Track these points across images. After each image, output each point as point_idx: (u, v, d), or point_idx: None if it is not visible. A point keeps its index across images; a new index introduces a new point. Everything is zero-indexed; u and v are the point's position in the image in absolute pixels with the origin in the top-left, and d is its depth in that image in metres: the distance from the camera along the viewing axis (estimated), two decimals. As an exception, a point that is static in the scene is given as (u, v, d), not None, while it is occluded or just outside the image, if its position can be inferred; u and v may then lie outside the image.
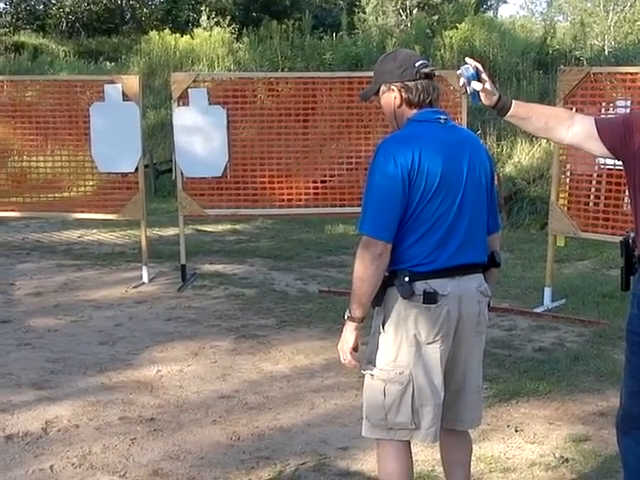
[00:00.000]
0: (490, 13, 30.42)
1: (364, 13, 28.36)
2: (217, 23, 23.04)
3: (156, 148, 13.80)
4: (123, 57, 20.99)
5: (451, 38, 15.93)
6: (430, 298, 2.82)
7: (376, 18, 27.45)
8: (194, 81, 7.61)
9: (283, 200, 7.86)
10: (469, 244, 2.91)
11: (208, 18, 23.53)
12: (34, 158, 8.31)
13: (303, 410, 4.58)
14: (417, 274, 2.84)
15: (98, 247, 9.49)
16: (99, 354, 5.56)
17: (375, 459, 3.25)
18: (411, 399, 2.89)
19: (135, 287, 7.49)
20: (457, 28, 16.46)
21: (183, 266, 7.63)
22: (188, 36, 20.81)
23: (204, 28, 22.43)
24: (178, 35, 20.84)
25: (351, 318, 2.94)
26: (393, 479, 2.98)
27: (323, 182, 8.06)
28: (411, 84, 2.89)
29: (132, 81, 7.63)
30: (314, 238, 9.97)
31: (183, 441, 4.14)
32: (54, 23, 25.18)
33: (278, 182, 7.81)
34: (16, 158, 8.42)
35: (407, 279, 2.82)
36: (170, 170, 9.62)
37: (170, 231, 9.98)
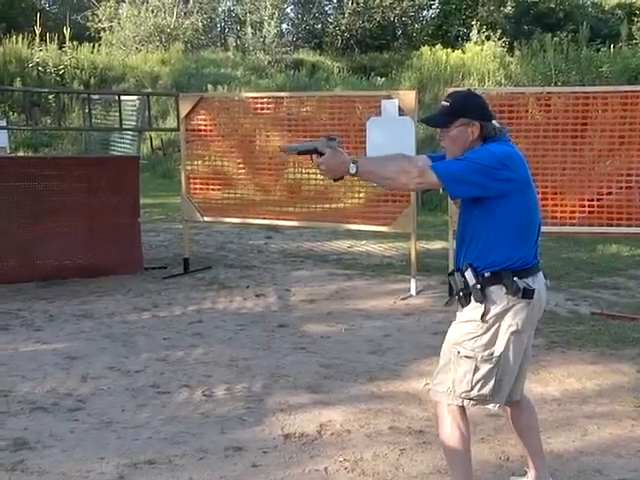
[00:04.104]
0: None
1: (644, 22, 26.97)
2: (487, 37, 22.92)
3: (424, 162, 13.97)
4: (394, 72, 21.47)
5: None
6: (528, 294, 3.33)
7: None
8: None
9: (555, 217, 7.65)
10: (537, 243, 3.46)
11: (479, 32, 23.47)
12: (309, 170, 8.70)
13: (575, 436, 4.43)
14: (518, 272, 3.33)
15: (367, 258, 9.77)
16: (369, 363, 5.72)
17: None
18: (495, 377, 3.40)
19: (403, 299, 7.62)
20: None
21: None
22: (459, 51, 20.87)
23: (475, 42, 22.40)
24: (449, 50, 20.96)
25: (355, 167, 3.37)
26: (463, 439, 3.51)
27: (597, 200, 7.76)
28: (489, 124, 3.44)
29: (408, 96, 7.80)
30: (585, 257, 9.62)
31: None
32: (330, 41, 26.28)
33: (551, 199, 7.63)
34: (291, 170, 8.86)
35: (515, 278, 3.32)
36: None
37: (437, 244, 10.07)
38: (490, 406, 3.54)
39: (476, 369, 3.39)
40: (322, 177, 8.57)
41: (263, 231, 11.17)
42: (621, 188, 7.78)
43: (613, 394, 5.07)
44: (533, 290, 3.34)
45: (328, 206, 8.73)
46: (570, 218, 7.72)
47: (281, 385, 5.24)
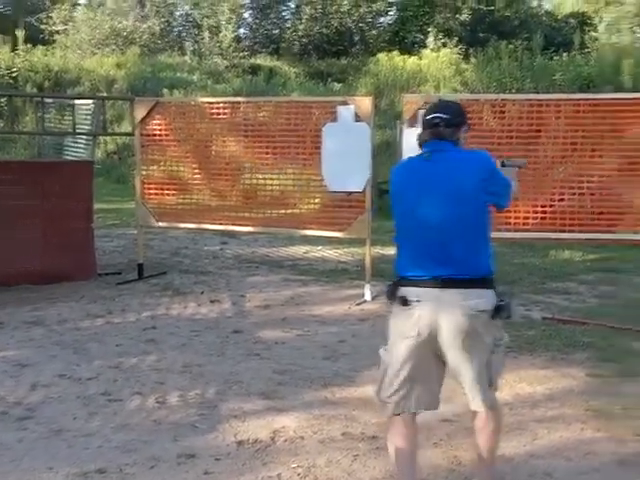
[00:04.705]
0: None
1: (596, 32, 27.42)
2: (444, 44, 23.11)
3: (379, 167, 14.04)
4: (351, 78, 21.55)
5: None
6: (403, 302, 3.48)
7: (610, 36, 26.46)
8: (425, 103, 7.67)
9: (509, 224, 7.72)
10: (444, 258, 3.43)
11: (435, 39, 23.65)
12: (265, 175, 8.69)
13: (526, 440, 4.48)
14: (399, 280, 3.54)
15: (322, 263, 9.78)
16: (323, 369, 5.72)
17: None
18: (382, 376, 3.63)
19: (358, 304, 7.64)
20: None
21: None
22: (416, 57, 21.01)
23: (431, 49, 22.57)
24: (406, 56, 21.09)
25: None
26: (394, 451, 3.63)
27: (550, 206, 7.86)
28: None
29: (364, 102, 7.83)
30: (538, 263, 9.74)
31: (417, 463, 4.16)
32: (287, 46, 26.28)
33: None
34: (248, 175, 8.83)
35: (398, 285, 3.52)
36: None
37: (392, 250, 10.08)
38: (387, 411, 3.63)
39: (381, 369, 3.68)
40: (278, 183, 8.61)
41: (218, 237, 11.12)
42: (573, 194, 7.88)
43: (563, 398, 5.13)
44: (405, 299, 3.47)
45: (284, 212, 8.71)
46: (523, 224, 7.80)
47: (235, 391, 5.21)
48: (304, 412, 4.84)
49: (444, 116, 3.59)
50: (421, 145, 3.64)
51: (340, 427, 4.63)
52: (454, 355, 3.48)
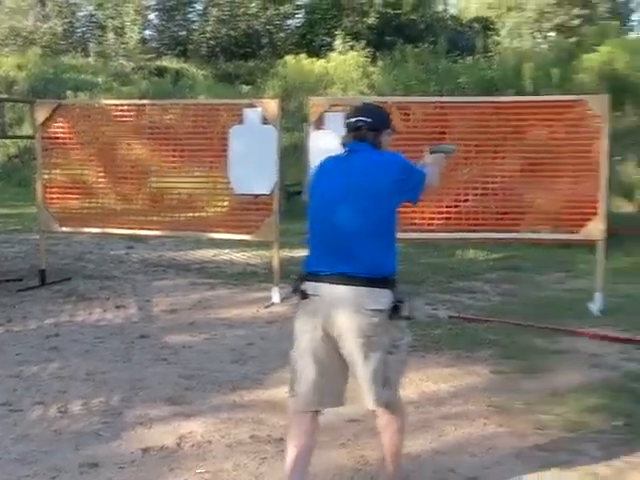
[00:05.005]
0: (632, 35, 29.55)
1: (499, 36, 28.09)
2: (351, 47, 23.29)
3: (288, 170, 14.08)
4: (259, 80, 21.52)
5: (591, 61, 15.53)
6: (303, 295, 3.53)
7: (511, 41, 27.13)
8: (331, 105, 7.72)
9: (415, 224, 7.83)
10: (346, 256, 3.44)
11: (343, 42, 23.82)
12: (172, 179, 8.59)
13: (431, 437, 4.54)
14: (305, 275, 3.56)
15: (231, 266, 9.72)
16: (231, 372, 5.68)
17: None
18: (292, 372, 3.63)
19: (266, 307, 7.63)
20: (597, 51, 16.03)
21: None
22: (323, 60, 21.12)
23: (339, 52, 22.72)
24: (314, 59, 21.17)
25: None
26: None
27: (455, 207, 8.00)
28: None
29: (271, 105, 7.82)
30: (444, 263, 9.91)
31: (311, 463, 4.16)
32: (195, 48, 26.08)
33: (409, 206, 7.77)
34: (155, 179, 8.71)
35: (303, 280, 3.55)
36: (301, 192, 9.76)
37: (301, 252, 10.11)
38: (295, 406, 3.64)
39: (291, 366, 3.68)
40: (185, 186, 8.52)
41: (124, 241, 10.94)
42: (478, 195, 8.04)
43: (467, 395, 5.23)
44: (305, 293, 3.52)
45: (191, 215, 8.63)
46: (429, 225, 7.93)
47: (140, 398, 5.12)
48: (212, 416, 4.80)
49: (367, 119, 3.64)
50: (344, 146, 3.69)
51: (248, 430, 4.61)
52: (348, 353, 3.50)
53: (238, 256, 10.36)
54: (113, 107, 8.88)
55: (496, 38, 27.31)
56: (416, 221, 7.80)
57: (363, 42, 23.71)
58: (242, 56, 26.17)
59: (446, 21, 29.29)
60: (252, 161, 7.70)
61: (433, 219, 7.90)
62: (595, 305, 7.44)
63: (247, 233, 8.13)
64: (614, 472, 4.04)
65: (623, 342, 6.42)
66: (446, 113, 8.14)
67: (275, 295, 7.82)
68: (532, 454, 4.28)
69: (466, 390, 5.34)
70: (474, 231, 7.95)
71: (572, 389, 5.31)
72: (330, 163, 3.71)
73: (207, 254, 10.46)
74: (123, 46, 25.04)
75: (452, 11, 35.01)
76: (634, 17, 35.74)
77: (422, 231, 7.97)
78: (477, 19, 29.68)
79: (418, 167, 3.79)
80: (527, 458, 4.23)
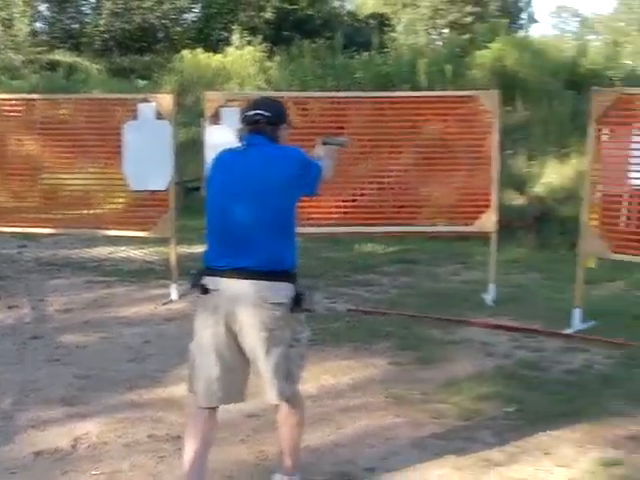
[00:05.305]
0: (521, 32, 30.42)
1: (395, 32, 28.46)
2: (249, 42, 23.18)
3: (186, 165, 13.92)
4: (155, 75, 21.20)
5: (482, 58, 15.90)
6: (203, 290, 3.51)
7: (407, 37, 27.53)
8: (227, 100, 7.67)
9: (312, 219, 7.86)
10: (245, 250, 3.44)
11: (240, 37, 23.67)
12: (66, 175, 8.40)
13: (330, 430, 4.57)
14: (204, 269, 3.55)
15: (128, 264, 9.56)
16: (128, 371, 5.59)
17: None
18: (190, 369, 3.61)
19: (164, 304, 7.53)
20: (489, 48, 16.42)
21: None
22: (220, 55, 20.95)
23: (236, 47, 22.58)
24: (210, 53, 20.98)
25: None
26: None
27: (353, 201, 8.08)
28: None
29: (166, 100, 7.72)
30: (342, 256, 9.98)
31: (209, 460, 4.12)
32: (88, 41, 25.49)
33: (308, 200, 7.80)
34: (47, 175, 8.50)
35: (203, 275, 3.54)
36: (199, 187, 9.67)
37: (199, 248, 10.01)
38: (195, 403, 3.63)
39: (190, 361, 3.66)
40: (79, 182, 8.33)
41: (17, 240, 10.59)
42: (375, 189, 8.15)
43: (365, 387, 5.29)
44: (206, 288, 3.50)
45: (86, 212, 8.45)
46: (327, 219, 7.98)
47: (33, 400, 4.99)
48: (108, 416, 4.71)
49: (265, 113, 3.63)
50: (240, 140, 3.67)
51: (146, 429, 4.55)
52: (250, 347, 3.50)
53: (135, 253, 10.19)
54: (1, 101, 8.61)
55: (392, 34, 27.65)
56: (314, 215, 7.84)
57: (260, 37, 23.63)
58: (138, 50, 25.69)
59: (343, 17, 29.47)
60: (147, 157, 7.58)
61: (331, 213, 7.96)
62: (489, 295, 7.63)
63: (143, 230, 8.01)
64: (506, 457, 4.17)
65: (514, 331, 6.61)
66: (343, 108, 8.21)
67: (173, 292, 7.73)
68: (429, 443, 4.37)
69: (364, 382, 5.40)
70: (372, 225, 8.05)
71: (467, 378, 5.44)
72: (227, 156, 3.69)
73: (103, 252, 10.24)
74: (11, 39, 24.24)
75: (349, 7, 35.30)
76: (523, 15, 36.69)
77: (321, 225, 8.02)
78: (373, 15, 29.95)
79: (314, 161, 3.81)
80: (424, 447, 4.31)
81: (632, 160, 6.41)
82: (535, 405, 4.91)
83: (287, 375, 3.57)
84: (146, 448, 4.30)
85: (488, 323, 6.83)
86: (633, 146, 6.42)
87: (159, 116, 7.66)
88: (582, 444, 4.36)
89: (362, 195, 8.18)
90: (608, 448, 4.31)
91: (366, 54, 19.09)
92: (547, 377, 5.49)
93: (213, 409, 3.64)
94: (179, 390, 5.15)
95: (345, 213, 8.05)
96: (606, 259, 6.90)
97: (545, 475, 4.01)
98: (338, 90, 14.57)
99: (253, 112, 3.66)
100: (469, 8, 32.30)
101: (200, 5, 27.97)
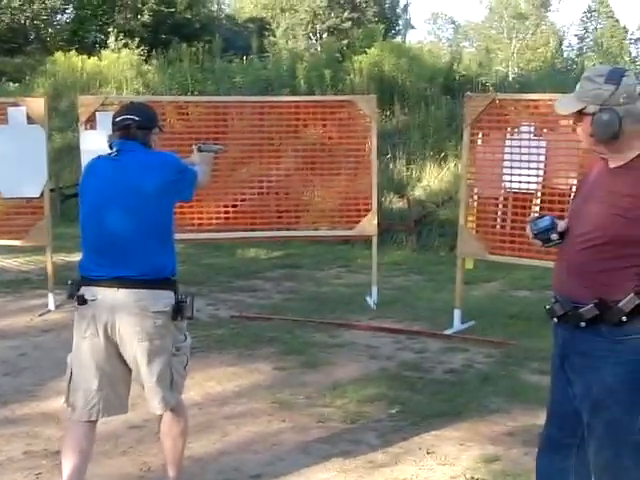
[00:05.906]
0: (398, 38, 31.08)
1: (274, 37, 28.57)
2: (125, 45, 22.77)
3: (62, 171, 13.55)
4: (27, 78, 20.53)
5: (360, 63, 16.10)
6: (81, 301, 3.41)
7: (286, 42, 27.67)
8: (102, 104, 7.49)
9: (193, 225, 7.78)
10: (123, 259, 3.38)
11: (116, 39, 23.22)
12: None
13: (215, 438, 4.51)
14: (81, 280, 3.48)
15: (2, 274, 9.20)
16: (2, 386, 5.37)
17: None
18: (71, 382, 3.51)
19: (41, 315, 7.28)
20: (366, 53, 16.65)
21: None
22: (95, 57, 20.49)
23: (112, 50, 22.13)
24: (85, 56, 20.48)
25: None
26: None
27: (234, 206, 8.03)
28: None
29: (37, 104, 7.46)
30: (225, 263, 9.90)
31: (91, 474, 3.97)
32: (-46, 42, 24.52)
33: (188, 206, 7.72)
34: None
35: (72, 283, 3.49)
36: (76, 194, 9.39)
37: (77, 257, 9.74)
38: (75, 417, 3.52)
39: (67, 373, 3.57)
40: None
41: None
42: (257, 194, 8.12)
43: (251, 393, 5.25)
44: (84, 298, 3.41)
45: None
46: (208, 225, 7.90)
47: None
48: (-20, 434, 4.51)
49: (135, 118, 3.56)
50: (111, 146, 3.57)
51: (21, 446, 4.37)
52: (131, 357, 3.43)
53: (10, 262, 9.81)
54: None
55: (272, 39, 27.73)
56: (195, 221, 7.76)
57: (137, 40, 23.26)
58: (8, 52, 24.86)
59: (221, 20, 29.40)
60: (19, 163, 7.30)
61: (212, 219, 7.89)
62: (371, 298, 7.72)
63: (17, 238, 7.71)
64: (390, 458, 4.21)
65: (397, 333, 6.71)
66: (223, 113, 8.15)
67: (50, 302, 7.48)
68: (314, 447, 4.37)
69: (250, 388, 5.36)
70: (254, 230, 8.02)
71: (351, 381, 5.47)
72: (100, 164, 3.60)
73: (-26, 262, 9.83)
74: None
75: (227, 11, 35.21)
76: (401, 21, 37.49)
77: (202, 231, 7.94)
78: (252, 19, 30.03)
79: (189, 166, 3.76)
80: (309, 452, 4.31)
81: (505, 163, 6.60)
82: (418, 406, 4.98)
83: (171, 384, 3.51)
84: (22, 465, 4.13)
85: (371, 326, 6.91)
86: (506, 150, 6.62)
87: (30, 121, 7.39)
88: (463, 442, 4.45)
89: (243, 200, 8.14)
90: (488, 445, 4.41)
91: (245, 58, 19.04)
92: (429, 377, 5.58)
93: (92, 422, 3.53)
94: (56, 404, 4.97)
95: (226, 218, 7.99)
96: (484, 260, 7.09)
97: (428, 474, 4.06)
98: (218, 94, 14.48)
99: (123, 117, 3.59)
100: (347, 14, 32.75)
101: (72, 6, 27.31)
